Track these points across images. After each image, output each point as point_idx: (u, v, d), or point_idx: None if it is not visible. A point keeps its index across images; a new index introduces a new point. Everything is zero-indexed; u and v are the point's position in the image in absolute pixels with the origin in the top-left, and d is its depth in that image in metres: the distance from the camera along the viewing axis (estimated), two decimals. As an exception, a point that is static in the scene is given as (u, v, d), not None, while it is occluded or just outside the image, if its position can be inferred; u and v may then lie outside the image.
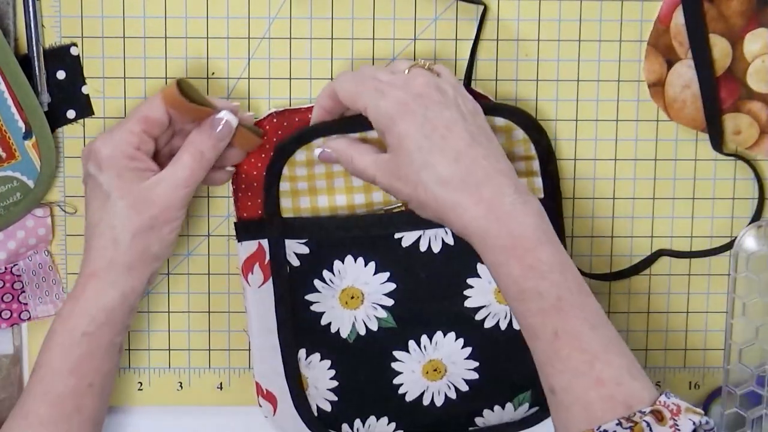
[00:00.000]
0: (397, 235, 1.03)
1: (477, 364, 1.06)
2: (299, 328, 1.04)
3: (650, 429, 0.85)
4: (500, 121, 1.02)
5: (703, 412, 0.88)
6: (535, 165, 1.03)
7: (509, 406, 1.07)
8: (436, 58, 1.04)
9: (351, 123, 1.00)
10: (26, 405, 0.96)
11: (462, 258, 1.04)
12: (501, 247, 0.90)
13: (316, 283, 1.03)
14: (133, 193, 0.95)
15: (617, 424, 0.86)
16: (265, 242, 1.03)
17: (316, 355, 1.04)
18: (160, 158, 1.00)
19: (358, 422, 1.07)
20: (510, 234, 0.90)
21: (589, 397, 0.88)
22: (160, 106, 0.96)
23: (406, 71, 0.96)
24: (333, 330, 1.04)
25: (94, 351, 0.96)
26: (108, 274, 0.96)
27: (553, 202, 1.03)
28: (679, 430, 0.86)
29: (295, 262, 1.03)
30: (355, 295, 1.04)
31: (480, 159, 0.92)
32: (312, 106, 1.03)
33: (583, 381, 0.88)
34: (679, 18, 1.03)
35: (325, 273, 1.03)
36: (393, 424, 1.07)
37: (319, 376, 1.05)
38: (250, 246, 1.03)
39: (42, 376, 0.96)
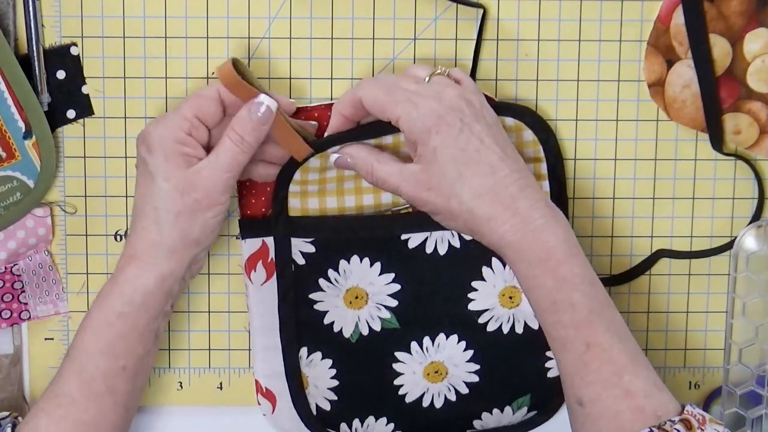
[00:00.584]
0: (403, 237, 1.03)
1: (478, 367, 1.06)
2: (301, 327, 1.04)
3: None
4: (510, 121, 1.02)
5: (723, 423, 0.89)
6: (543, 168, 1.03)
7: (508, 409, 1.07)
8: (436, 58, 1.04)
9: (366, 131, 1.00)
10: (58, 384, 0.96)
11: (468, 261, 1.04)
12: (536, 260, 0.92)
13: (321, 282, 1.03)
14: (178, 176, 0.95)
15: None
16: (269, 240, 1.03)
17: (318, 354, 1.04)
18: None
19: (356, 422, 1.07)
20: (544, 246, 0.92)
21: (619, 408, 0.89)
22: (214, 92, 0.96)
23: (427, 79, 0.96)
24: (336, 329, 1.04)
25: (128, 332, 0.96)
26: (148, 256, 0.96)
27: (561, 206, 1.03)
28: None
29: (301, 261, 1.03)
30: (359, 295, 1.04)
31: (512, 172, 0.94)
32: (316, 105, 1.03)
33: (612, 392, 0.90)
34: (679, 18, 1.03)
35: (331, 272, 1.03)
36: (391, 425, 1.07)
37: (320, 375, 1.05)
38: (254, 243, 1.03)
39: (75, 356, 0.96)
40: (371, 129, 0.99)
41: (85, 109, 1.04)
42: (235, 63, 0.96)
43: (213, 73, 1.03)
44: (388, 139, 1.00)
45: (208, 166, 0.96)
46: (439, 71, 0.98)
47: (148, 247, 0.96)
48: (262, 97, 0.97)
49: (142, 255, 0.96)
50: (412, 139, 0.94)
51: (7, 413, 0.99)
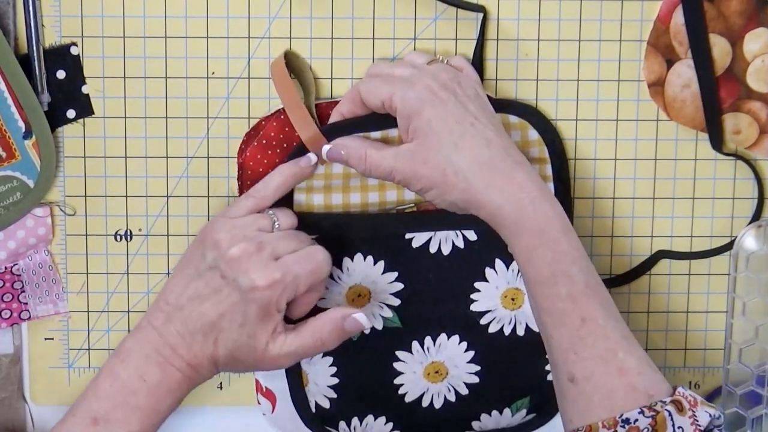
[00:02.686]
0: (407, 236, 1.03)
1: (478, 368, 1.06)
2: (303, 324, 1.04)
3: (671, 418, 0.87)
4: (514, 119, 1.02)
5: (715, 406, 0.89)
6: (548, 169, 1.03)
7: (507, 411, 1.07)
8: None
9: (374, 120, 1.00)
10: (94, 404, 0.94)
11: (471, 262, 1.04)
12: (536, 230, 0.92)
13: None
14: (257, 342, 0.94)
15: (639, 413, 0.87)
16: (271, 240, 1.03)
17: (318, 352, 1.05)
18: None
19: (355, 420, 1.07)
20: (545, 216, 0.92)
21: (612, 385, 0.89)
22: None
23: (426, 65, 0.98)
24: (337, 327, 1.04)
25: (168, 416, 0.96)
26: (205, 372, 0.96)
27: (565, 208, 1.03)
28: (697, 420, 0.88)
29: (304, 258, 1.03)
30: (362, 293, 1.04)
31: (508, 147, 0.94)
32: (317, 103, 1.03)
33: (606, 369, 0.90)
34: (678, 17, 1.03)
35: (334, 269, 1.03)
36: (390, 424, 1.07)
37: (320, 373, 1.05)
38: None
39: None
40: (378, 119, 0.99)
41: (85, 108, 1.04)
42: (288, 56, 0.97)
43: (213, 72, 1.03)
44: (393, 132, 1.00)
45: (282, 349, 0.95)
46: (438, 59, 0.99)
47: (208, 365, 0.96)
48: (359, 315, 0.96)
49: (202, 370, 0.96)
50: (406, 114, 0.94)
51: None
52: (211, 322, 0.94)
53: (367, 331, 0.99)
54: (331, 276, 1.03)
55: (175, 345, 0.94)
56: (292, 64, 0.98)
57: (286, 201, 1.01)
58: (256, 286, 0.93)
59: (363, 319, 0.96)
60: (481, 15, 1.03)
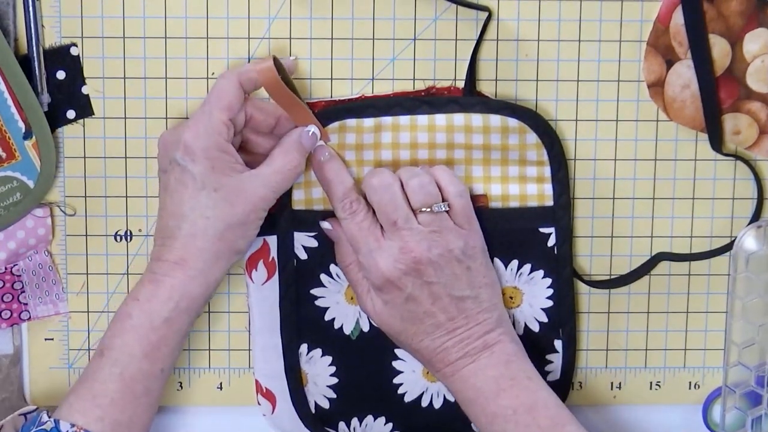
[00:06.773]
0: None
1: (477, 367, 1.06)
2: (302, 323, 1.04)
3: None
4: (514, 122, 1.02)
5: None
6: (547, 171, 1.03)
7: (506, 411, 1.07)
8: (436, 59, 1.04)
9: (368, 107, 1.01)
10: (95, 385, 0.95)
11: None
12: (466, 401, 0.98)
13: (323, 277, 1.03)
14: (227, 185, 0.96)
15: None
16: (270, 239, 1.03)
17: (318, 351, 1.04)
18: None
19: (355, 421, 1.06)
20: (472, 388, 0.97)
21: None
22: (240, 91, 0.97)
23: (425, 209, 0.99)
24: (336, 326, 1.04)
25: (170, 337, 0.97)
26: (196, 263, 0.96)
27: (563, 211, 1.03)
28: None
29: (303, 255, 1.03)
30: (360, 291, 1.04)
31: (452, 331, 0.99)
32: (316, 102, 1.03)
33: None
34: (678, 18, 1.03)
35: (332, 267, 1.03)
36: (390, 424, 1.07)
37: (320, 372, 1.05)
38: (255, 243, 1.03)
39: (116, 357, 0.96)
40: (375, 108, 1.01)
41: (85, 109, 1.04)
42: (275, 61, 0.97)
43: (213, 73, 1.03)
44: (387, 120, 1.02)
45: (260, 179, 0.97)
46: (437, 208, 0.99)
47: (197, 253, 0.96)
48: (311, 127, 1.00)
49: (191, 262, 0.96)
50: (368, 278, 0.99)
51: (34, 407, 0.99)
52: (180, 204, 0.96)
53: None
54: (330, 275, 1.03)
55: (159, 254, 0.97)
56: (278, 67, 0.97)
57: (284, 196, 1.01)
58: (181, 138, 0.96)
59: (315, 130, 0.99)
60: (485, 15, 1.03)
